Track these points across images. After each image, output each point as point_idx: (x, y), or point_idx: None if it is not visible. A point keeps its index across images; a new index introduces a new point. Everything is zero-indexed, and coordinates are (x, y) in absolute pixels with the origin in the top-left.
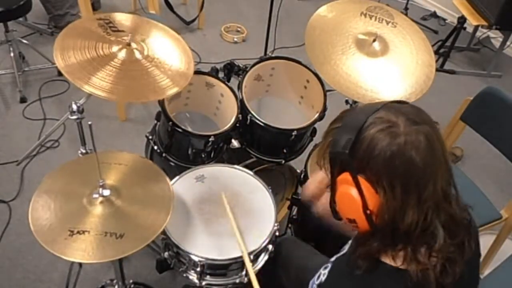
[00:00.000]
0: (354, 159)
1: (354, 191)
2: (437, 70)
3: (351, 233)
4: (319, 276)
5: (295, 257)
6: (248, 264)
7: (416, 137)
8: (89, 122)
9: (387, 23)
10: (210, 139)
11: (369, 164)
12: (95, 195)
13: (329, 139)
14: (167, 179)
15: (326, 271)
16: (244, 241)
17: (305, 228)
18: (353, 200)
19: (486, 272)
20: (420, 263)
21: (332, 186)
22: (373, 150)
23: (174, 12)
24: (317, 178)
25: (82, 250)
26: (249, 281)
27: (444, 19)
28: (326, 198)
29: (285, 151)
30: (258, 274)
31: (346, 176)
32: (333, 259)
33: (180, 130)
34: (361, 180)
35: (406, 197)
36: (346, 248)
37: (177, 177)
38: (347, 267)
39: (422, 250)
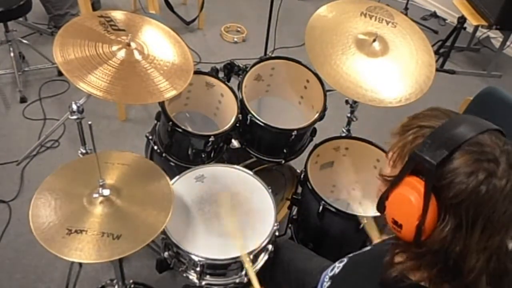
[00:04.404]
0: (438, 174)
1: (419, 202)
2: (437, 70)
3: None
4: (333, 269)
5: (294, 260)
6: (247, 265)
7: (510, 185)
8: (89, 122)
9: (387, 23)
10: (210, 139)
11: (450, 188)
12: (95, 195)
13: (411, 135)
14: (167, 179)
15: (341, 264)
16: (243, 242)
17: (304, 228)
18: (413, 209)
19: None
20: None
21: (395, 181)
22: (459, 175)
23: (174, 12)
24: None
25: (79, 250)
26: (249, 281)
27: (444, 19)
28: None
29: (285, 151)
30: (258, 278)
31: (418, 182)
32: (350, 255)
33: (180, 130)
34: (433, 198)
35: (481, 239)
36: (368, 247)
37: (177, 177)
38: (376, 269)
39: None
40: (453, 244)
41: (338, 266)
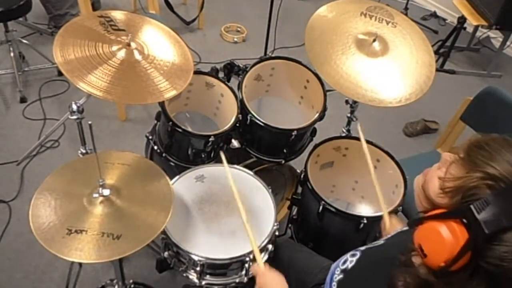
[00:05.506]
0: (485, 237)
1: (453, 250)
2: (437, 70)
3: None
4: (344, 262)
5: (294, 260)
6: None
7: None
8: (89, 122)
9: (387, 23)
10: (210, 139)
11: (493, 256)
12: (95, 195)
13: (475, 179)
14: (167, 179)
15: (354, 258)
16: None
17: (304, 228)
18: (444, 252)
19: None
20: None
21: (438, 215)
22: (510, 249)
23: (174, 12)
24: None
25: (79, 250)
26: (249, 281)
27: (444, 19)
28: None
29: (285, 151)
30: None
31: (461, 233)
32: (362, 248)
33: (180, 130)
34: (467, 255)
35: None
36: (381, 241)
37: (177, 177)
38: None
39: None
40: None
41: (351, 260)
